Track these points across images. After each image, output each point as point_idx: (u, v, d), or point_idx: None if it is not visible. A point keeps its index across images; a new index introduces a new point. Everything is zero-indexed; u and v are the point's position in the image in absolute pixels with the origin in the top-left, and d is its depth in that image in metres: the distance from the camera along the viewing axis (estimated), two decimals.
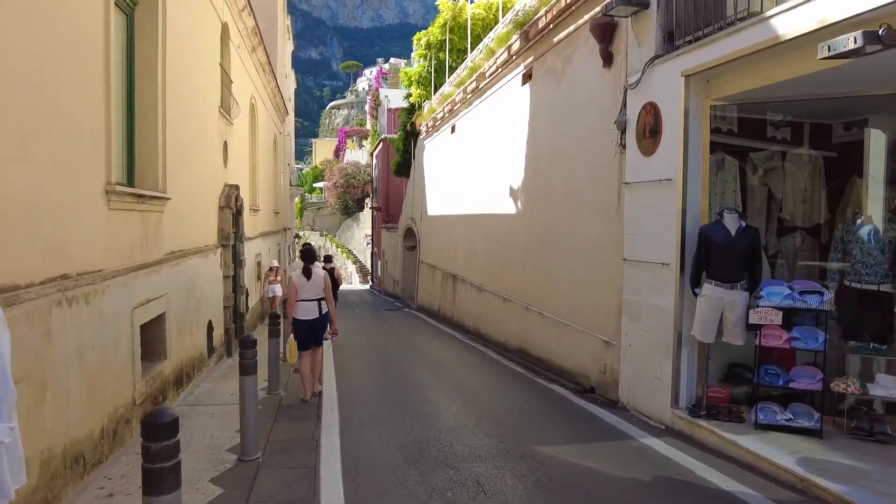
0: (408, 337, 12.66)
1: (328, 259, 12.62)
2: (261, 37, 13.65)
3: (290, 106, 27.31)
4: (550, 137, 8.52)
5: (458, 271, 14.04)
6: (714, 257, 5.21)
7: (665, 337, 5.71)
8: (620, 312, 6.48)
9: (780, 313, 4.95)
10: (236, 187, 10.53)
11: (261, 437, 5.07)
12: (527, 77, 9.51)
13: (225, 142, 10.21)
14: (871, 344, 5.01)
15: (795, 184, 6.18)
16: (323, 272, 6.96)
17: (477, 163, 12.49)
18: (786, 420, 5.00)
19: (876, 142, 6.24)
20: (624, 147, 6.43)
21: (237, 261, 10.94)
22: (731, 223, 5.21)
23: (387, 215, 27.73)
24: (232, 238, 10.26)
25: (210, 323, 8.35)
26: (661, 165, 5.75)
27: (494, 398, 7.02)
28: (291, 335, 6.84)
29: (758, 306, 5.05)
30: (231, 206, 10.07)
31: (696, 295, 5.36)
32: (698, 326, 5.33)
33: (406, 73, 20.18)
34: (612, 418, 6.02)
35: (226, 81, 10.49)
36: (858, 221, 5.90)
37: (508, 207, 10.33)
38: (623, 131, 6.41)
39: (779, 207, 6.26)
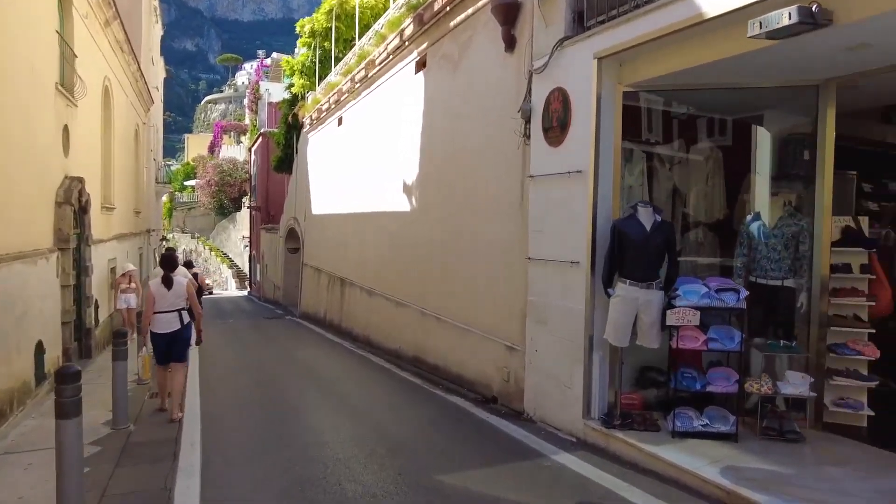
0: (290, 349, 11.52)
1: (188, 264, 11.17)
2: (116, 10, 11.85)
3: (158, 95, 24.68)
4: (448, 129, 7.93)
5: (346, 274, 13.10)
6: (628, 254, 4.84)
7: (575, 341, 5.28)
8: (525, 316, 5.99)
9: (699, 313, 4.67)
10: (80, 180, 8.90)
11: (93, 491, 3.94)
12: (421, 65, 8.87)
13: (66, 126, 8.58)
14: (782, 341, 4.88)
15: (697, 179, 6.04)
16: (185, 280, 6.06)
17: (367, 157, 11.66)
18: (702, 426, 4.73)
19: (762, 138, 6.30)
20: (528, 138, 5.95)
21: (81, 267, 9.26)
22: (646, 218, 4.86)
23: (267, 215, 25.94)
24: (74, 240, 8.65)
25: (40, 344, 6.81)
26: (571, 156, 5.32)
27: (390, 417, 6.26)
28: (144, 348, 6.19)
29: (674, 306, 4.74)
30: (73, 201, 8.46)
31: (609, 295, 4.95)
32: (611, 329, 4.94)
33: (288, 61, 18.74)
34: (520, 432, 5.49)
35: (67, 55, 8.84)
36: (748, 217, 5.89)
37: (402, 204, 9.61)
38: (527, 121, 5.93)
39: (683, 203, 6.10)
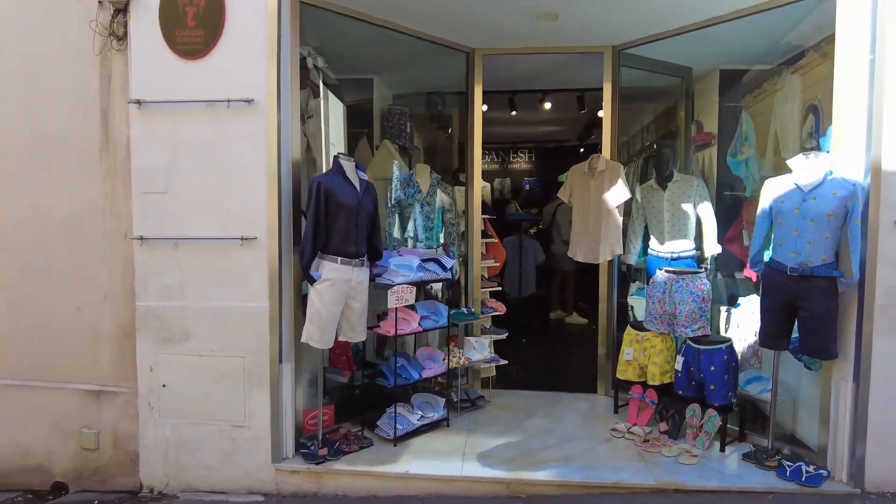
0: None
1: None
2: None
3: None
4: None
5: None
6: (340, 224, 3.55)
7: (254, 356, 3.57)
8: (131, 334, 3.67)
9: (415, 290, 3.91)
10: None
11: None
12: None
13: None
14: (464, 308, 4.69)
15: (328, 139, 5.13)
16: None
17: None
18: (418, 420, 4.04)
19: (335, 105, 6.02)
20: (123, 39, 3.60)
21: None
22: (353, 174, 3.69)
23: None
24: None
25: None
26: (228, 77, 3.48)
27: None
28: None
29: (391, 284, 3.81)
30: None
31: (313, 281, 3.53)
32: (315, 328, 3.54)
33: None
34: None
35: None
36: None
37: None
38: (123, 9, 3.56)
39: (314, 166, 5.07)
